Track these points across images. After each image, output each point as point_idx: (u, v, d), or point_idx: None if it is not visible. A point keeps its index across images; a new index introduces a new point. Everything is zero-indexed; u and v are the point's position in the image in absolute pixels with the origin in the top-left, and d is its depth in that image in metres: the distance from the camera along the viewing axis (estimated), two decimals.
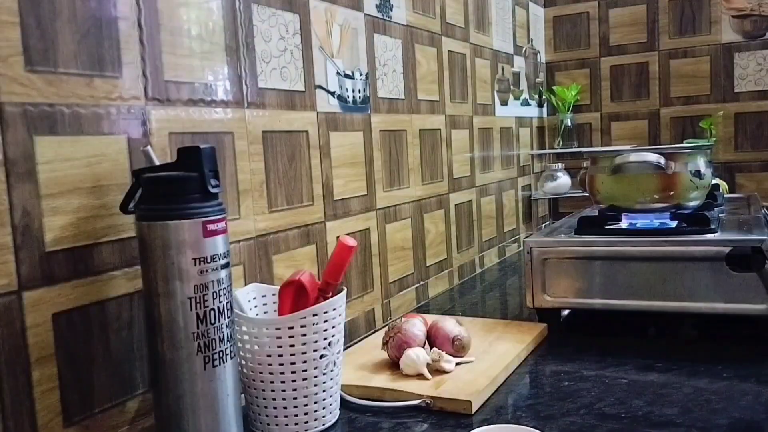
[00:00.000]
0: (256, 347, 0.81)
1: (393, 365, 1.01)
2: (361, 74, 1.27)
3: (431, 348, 1.01)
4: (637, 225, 1.25)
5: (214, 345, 0.71)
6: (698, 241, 1.11)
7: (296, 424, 0.83)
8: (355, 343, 1.18)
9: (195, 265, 0.69)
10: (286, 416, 0.82)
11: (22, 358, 0.67)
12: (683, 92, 2.26)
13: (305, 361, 0.81)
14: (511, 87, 2.11)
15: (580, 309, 1.23)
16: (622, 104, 2.35)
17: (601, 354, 1.06)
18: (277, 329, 0.80)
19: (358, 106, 1.27)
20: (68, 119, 0.72)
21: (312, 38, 1.13)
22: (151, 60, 0.82)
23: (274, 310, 0.91)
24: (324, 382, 0.84)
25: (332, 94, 1.19)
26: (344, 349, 0.91)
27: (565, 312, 1.28)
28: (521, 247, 2.07)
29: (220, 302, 0.72)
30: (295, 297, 0.86)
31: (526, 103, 2.25)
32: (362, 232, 1.28)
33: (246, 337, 0.82)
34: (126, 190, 0.75)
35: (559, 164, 2.20)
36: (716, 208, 1.42)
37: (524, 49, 2.23)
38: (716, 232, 1.13)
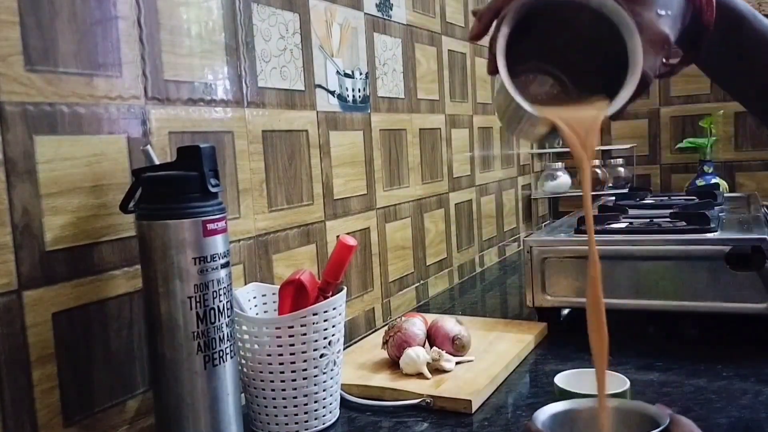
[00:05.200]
0: (256, 346, 0.81)
1: (393, 364, 1.01)
2: (360, 73, 1.27)
3: (431, 347, 1.01)
4: (636, 224, 1.25)
5: (214, 344, 0.71)
6: (698, 240, 1.10)
7: (296, 423, 0.83)
8: (355, 342, 1.18)
9: (195, 264, 0.69)
10: (286, 415, 0.82)
11: (22, 358, 0.67)
12: (683, 91, 2.26)
13: (305, 361, 0.81)
14: None
15: (580, 308, 1.22)
16: None
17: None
18: (277, 328, 0.80)
19: (358, 105, 1.27)
20: (68, 118, 0.72)
21: (312, 37, 1.13)
22: (151, 59, 0.82)
23: (274, 310, 0.91)
24: (324, 382, 0.84)
25: (332, 93, 1.19)
26: (344, 349, 0.91)
27: (565, 311, 1.28)
28: (521, 247, 2.07)
29: (220, 301, 0.72)
30: (295, 296, 0.86)
31: None
32: (362, 231, 1.28)
33: (246, 337, 0.82)
34: (126, 189, 0.75)
35: (559, 163, 2.20)
36: (716, 207, 1.42)
37: None
38: (716, 231, 1.13)
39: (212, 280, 0.71)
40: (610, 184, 2.14)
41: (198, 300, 0.70)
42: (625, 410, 0.54)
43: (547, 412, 0.54)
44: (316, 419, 0.84)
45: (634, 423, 0.52)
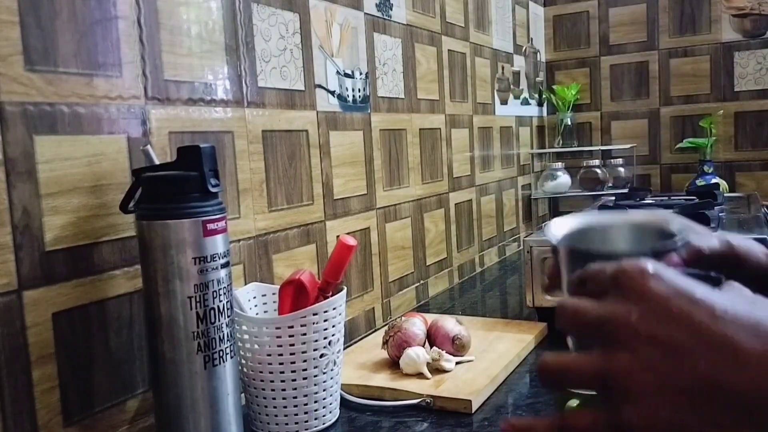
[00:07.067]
0: (256, 346, 0.81)
1: (393, 364, 1.01)
2: (361, 73, 1.27)
3: (431, 347, 1.01)
4: None
5: (214, 344, 0.71)
6: None
7: (296, 423, 0.83)
8: (355, 342, 1.18)
9: (195, 264, 0.69)
10: (286, 415, 0.83)
11: (22, 358, 0.67)
12: (683, 91, 2.26)
13: (305, 360, 0.81)
14: (511, 86, 2.11)
15: None
16: (621, 103, 2.35)
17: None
18: (277, 328, 0.80)
19: (358, 105, 1.27)
20: (68, 118, 0.72)
21: (312, 37, 1.13)
22: (151, 59, 0.82)
23: (274, 310, 0.91)
24: (324, 381, 0.84)
25: (332, 93, 1.19)
26: (344, 349, 0.91)
27: None
28: (521, 247, 2.07)
29: (220, 301, 0.72)
30: (295, 296, 0.86)
31: (526, 103, 2.25)
32: (362, 231, 1.28)
33: (246, 337, 0.82)
34: (126, 189, 0.75)
35: (559, 163, 2.20)
36: (716, 207, 1.42)
37: (524, 48, 2.23)
38: (716, 231, 1.13)
39: (212, 280, 0.71)
40: (610, 184, 2.14)
41: (198, 300, 0.70)
42: (643, 225, 0.50)
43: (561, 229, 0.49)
44: (316, 419, 0.84)
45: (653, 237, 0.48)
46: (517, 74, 2.16)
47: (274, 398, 0.82)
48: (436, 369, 0.98)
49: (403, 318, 1.06)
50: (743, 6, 2.15)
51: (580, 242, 0.49)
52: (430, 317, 1.10)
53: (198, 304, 0.70)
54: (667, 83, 2.28)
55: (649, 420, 0.31)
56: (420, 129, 1.50)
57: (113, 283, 0.77)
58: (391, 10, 1.38)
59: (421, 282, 1.51)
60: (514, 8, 2.13)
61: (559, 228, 0.49)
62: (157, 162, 0.75)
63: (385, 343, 1.03)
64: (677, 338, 0.32)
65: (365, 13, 1.29)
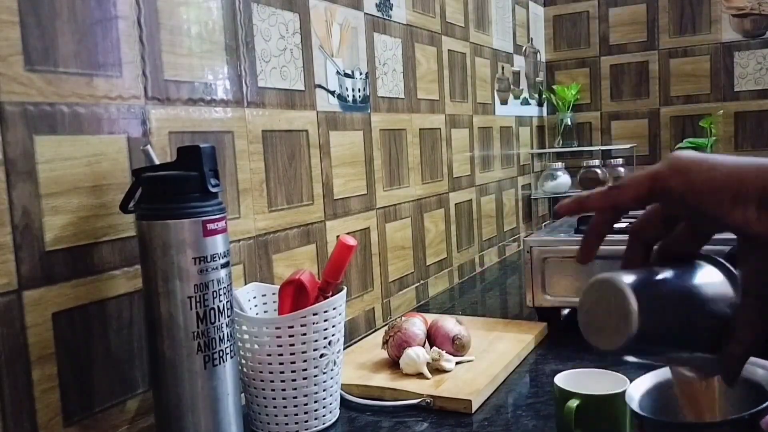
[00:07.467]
0: (256, 346, 0.81)
1: (393, 364, 1.01)
2: (361, 73, 1.27)
3: (431, 347, 1.01)
4: None
5: (214, 344, 0.71)
6: None
7: (296, 423, 0.83)
8: (355, 342, 1.18)
9: (195, 264, 0.69)
10: (286, 415, 0.83)
11: (22, 358, 0.67)
12: (683, 91, 2.26)
13: (305, 360, 0.81)
14: (511, 86, 2.11)
15: None
16: (622, 103, 2.35)
17: (601, 353, 1.06)
18: (277, 328, 0.80)
19: (358, 105, 1.27)
20: (68, 118, 0.72)
21: (312, 37, 1.13)
22: (151, 59, 0.82)
23: (274, 310, 0.91)
24: (324, 381, 0.84)
25: (332, 93, 1.18)
26: (344, 349, 0.91)
27: (565, 311, 1.28)
28: (521, 247, 2.07)
29: (220, 301, 0.72)
30: (295, 296, 0.86)
31: (526, 103, 2.25)
32: (362, 231, 1.28)
33: (246, 337, 0.82)
34: (126, 189, 0.75)
35: (559, 163, 2.20)
36: None
37: (524, 48, 2.23)
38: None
39: (212, 280, 0.71)
40: (610, 184, 2.13)
41: (198, 300, 0.70)
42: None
43: (640, 390, 0.48)
44: (316, 419, 0.84)
45: (737, 393, 0.47)
46: (517, 74, 2.16)
47: (274, 398, 0.82)
48: (436, 369, 0.98)
49: (403, 318, 1.06)
50: (743, 6, 2.15)
51: (663, 406, 0.46)
52: (430, 317, 1.10)
53: (198, 304, 0.70)
54: (667, 83, 2.28)
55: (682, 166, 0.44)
56: (420, 129, 1.50)
57: (113, 283, 0.77)
58: (391, 10, 1.38)
59: (421, 282, 1.51)
60: (514, 8, 2.13)
61: (638, 389, 0.48)
62: (157, 162, 0.75)
63: (385, 343, 1.03)
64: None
65: (365, 13, 1.29)
